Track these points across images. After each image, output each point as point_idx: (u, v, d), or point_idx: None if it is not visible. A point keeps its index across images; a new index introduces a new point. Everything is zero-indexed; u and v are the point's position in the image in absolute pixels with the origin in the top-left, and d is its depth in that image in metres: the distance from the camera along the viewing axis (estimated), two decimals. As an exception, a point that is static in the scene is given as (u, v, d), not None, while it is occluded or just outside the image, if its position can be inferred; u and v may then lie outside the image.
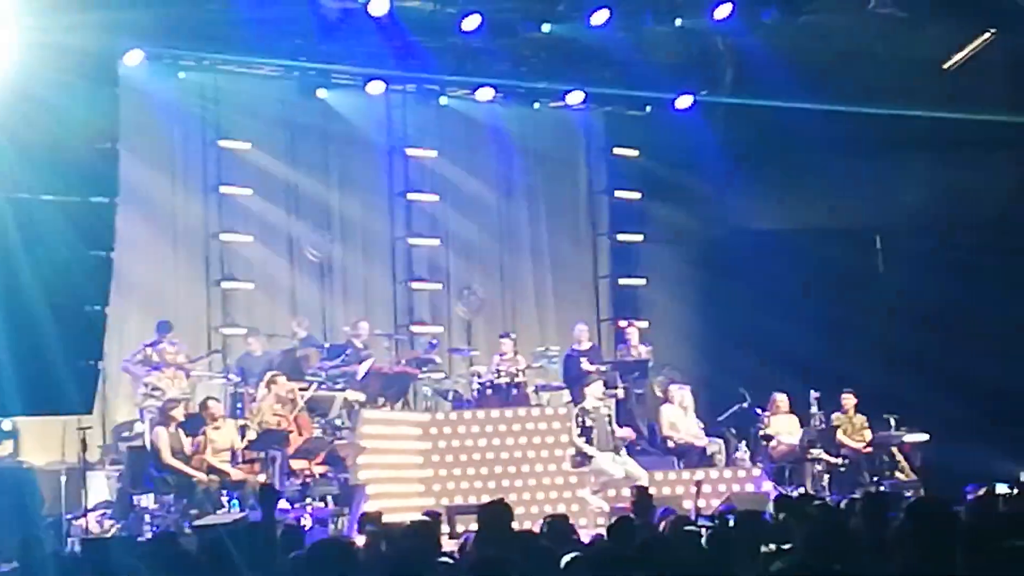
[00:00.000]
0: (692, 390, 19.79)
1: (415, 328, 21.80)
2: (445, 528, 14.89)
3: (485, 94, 21.89)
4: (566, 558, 7.44)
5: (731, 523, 9.73)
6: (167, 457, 15.45)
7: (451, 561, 8.63)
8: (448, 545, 11.64)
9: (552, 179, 23.52)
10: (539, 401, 19.72)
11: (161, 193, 19.91)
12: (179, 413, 15.91)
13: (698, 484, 16.46)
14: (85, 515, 15.48)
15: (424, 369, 19.92)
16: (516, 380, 19.19)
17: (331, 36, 19.48)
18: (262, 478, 15.59)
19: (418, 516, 12.27)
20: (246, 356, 19.21)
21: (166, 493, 15.68)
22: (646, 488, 13.93)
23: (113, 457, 17.63)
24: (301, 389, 17.52)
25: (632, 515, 11.93)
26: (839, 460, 19.12)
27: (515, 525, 9.56)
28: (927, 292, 21.00)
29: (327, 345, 19.23)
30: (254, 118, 20.77)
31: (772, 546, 8.47)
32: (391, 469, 17.79)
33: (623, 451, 17.80)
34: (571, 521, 10.42)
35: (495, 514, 9.21)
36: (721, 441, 19.43)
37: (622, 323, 21.87)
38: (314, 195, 21.34)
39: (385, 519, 12.38)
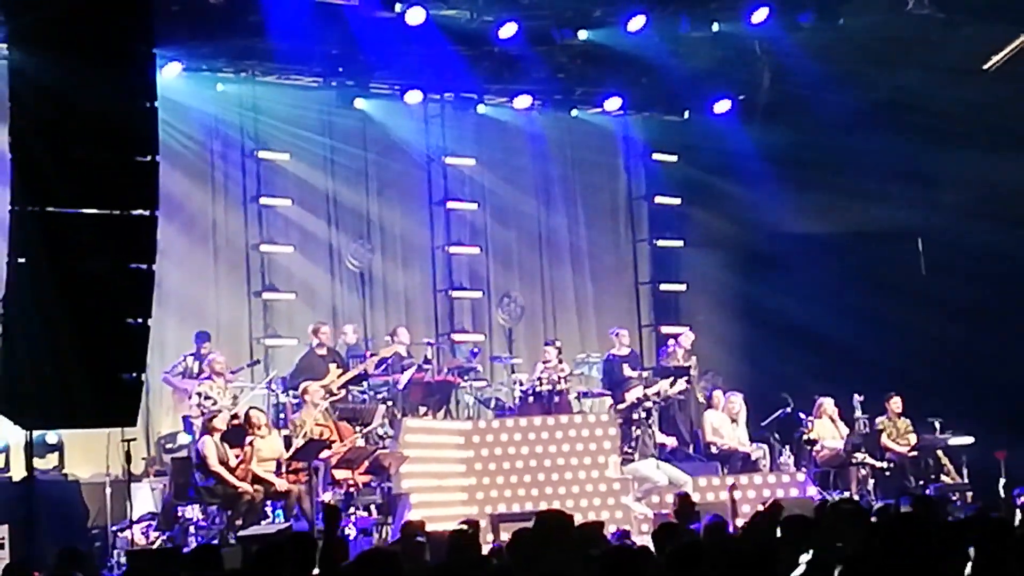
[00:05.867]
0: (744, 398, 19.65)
1: (456, 336, 21.82)
2: (489, 536, 14.87)
3: (523, 102, 21.95)
4: None
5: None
6: (214, 464, 15.44)
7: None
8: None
9: (591, 185, 23.50)
10: (581, 408, 19.69)
11: (201, 205, 20.05)
12: (221, 423, 15.90)
13: (731, 488, 16.39)
14: (130, 527, 15.56)
15: (466, 377, 19.91)
16: (558, 387, 19.14)
17: (368, 46, 19.54)
18: (305, 488, 15.62)
19: (461, 525, 12.23)
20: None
21: (211, 504, 15.70)
22: (688, 495, 13.86)
23: (157, 469, 17.68)
24: (340, 388, 17.63)
25: (676, 521, 11.90)
26: (884, 464, 19.00)
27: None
28: (971, 294, 20.83)
29: (369, 354, 19.23)
30: (293, 129, 20.85)
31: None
32: (434, 478, 17.77)
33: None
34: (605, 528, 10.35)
35: (552, 523, 9.02)
36: (765, 446, 19.36)
37: (666, 329, 21.77)
38: (353, 205, 21.38)
39: (428, 528, 12.36)
